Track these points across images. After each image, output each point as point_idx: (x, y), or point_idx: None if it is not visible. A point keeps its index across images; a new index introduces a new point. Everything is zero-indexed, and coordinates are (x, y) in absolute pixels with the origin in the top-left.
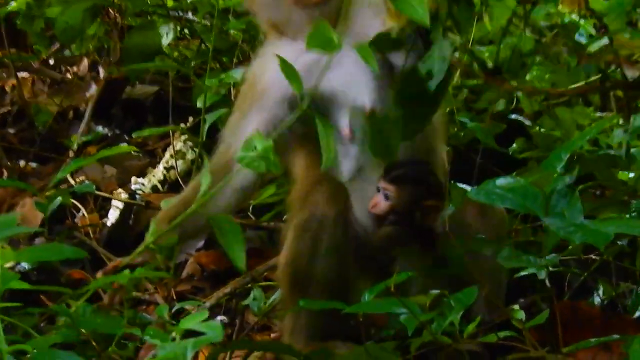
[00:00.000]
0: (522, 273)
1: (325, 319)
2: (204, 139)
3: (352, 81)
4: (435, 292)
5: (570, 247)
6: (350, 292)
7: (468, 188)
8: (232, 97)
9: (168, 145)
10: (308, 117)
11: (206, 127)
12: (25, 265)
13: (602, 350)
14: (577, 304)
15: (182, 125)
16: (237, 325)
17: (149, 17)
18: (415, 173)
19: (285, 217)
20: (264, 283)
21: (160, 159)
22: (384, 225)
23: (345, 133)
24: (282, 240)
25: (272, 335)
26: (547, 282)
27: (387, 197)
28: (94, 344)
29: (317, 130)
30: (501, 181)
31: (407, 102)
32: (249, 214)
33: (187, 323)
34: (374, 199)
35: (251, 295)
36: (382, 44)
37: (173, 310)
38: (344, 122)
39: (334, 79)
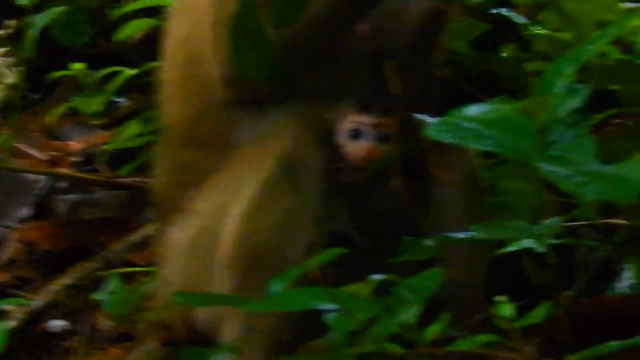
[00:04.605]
0: (510, 248)
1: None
2: (33, 53)
3: None
4: (377, 277)
5: (579, 208)
6: None
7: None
8: None
9: None
10: None
11: (35, 34)
12: None
13: (628, 357)
14: (593, 292)
15: None
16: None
17: None
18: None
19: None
20: (124, 269)
21: None
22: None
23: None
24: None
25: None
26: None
27: (382, 138)
28: None
29: None
30: (474, 110)
31: None
32: (96, 166)
33: None
34: (357, 147)
35: (108, 288)
36: None
37: None
38: None
39: None
